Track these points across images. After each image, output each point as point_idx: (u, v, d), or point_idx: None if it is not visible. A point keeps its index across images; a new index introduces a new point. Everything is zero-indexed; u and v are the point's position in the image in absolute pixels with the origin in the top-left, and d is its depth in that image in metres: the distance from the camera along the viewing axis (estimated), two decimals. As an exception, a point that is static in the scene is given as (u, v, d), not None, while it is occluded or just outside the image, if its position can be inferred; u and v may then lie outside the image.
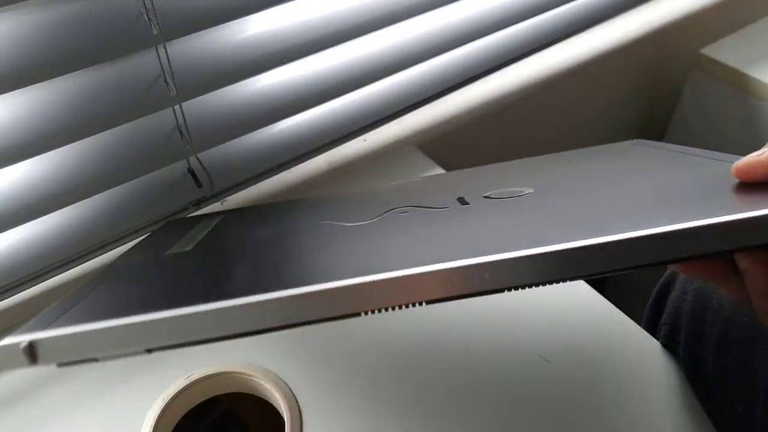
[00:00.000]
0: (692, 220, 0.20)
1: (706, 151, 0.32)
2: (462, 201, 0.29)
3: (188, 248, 0.30)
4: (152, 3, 0.35)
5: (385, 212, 0.28)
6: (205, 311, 0.20)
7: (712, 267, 0.26)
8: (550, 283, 0.20)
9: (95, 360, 0.20)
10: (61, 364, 0.20)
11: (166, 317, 0.20)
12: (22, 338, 0.20)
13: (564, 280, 0.20)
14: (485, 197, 0.28)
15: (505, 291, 0.20)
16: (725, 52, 0.77)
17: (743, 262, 0.24)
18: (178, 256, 0.29)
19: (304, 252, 0.25)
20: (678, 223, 0.20)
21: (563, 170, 0.34)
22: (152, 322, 0.20)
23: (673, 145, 0.34)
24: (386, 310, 0.20)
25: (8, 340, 0.20)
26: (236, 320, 0.20)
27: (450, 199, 0.29)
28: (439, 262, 0.20)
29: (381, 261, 0.21)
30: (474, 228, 0.24)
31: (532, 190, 0.29)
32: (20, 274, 0.40)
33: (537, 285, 0.20)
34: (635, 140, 0.39)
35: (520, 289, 0.20)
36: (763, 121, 0.75)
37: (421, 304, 0.20)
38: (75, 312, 0.22)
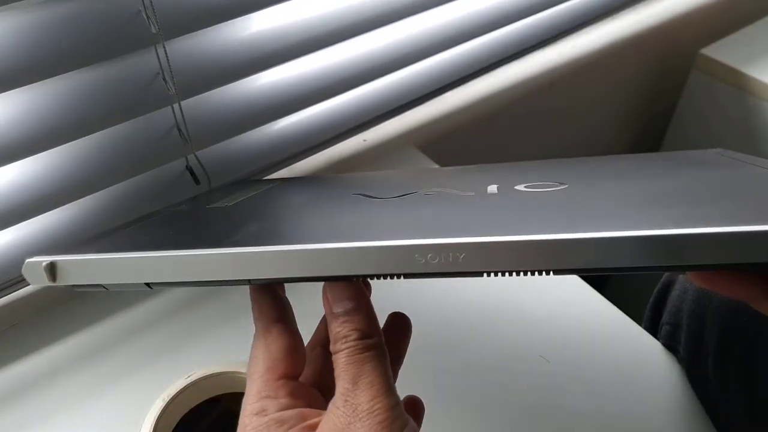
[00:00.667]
0: (719, 226, 0.18)
1: None
2: (489, 190, 0.29)
3: (229, 204, 0.32)
4: (151, 1, 0.35)
5: (413, 192, 0.30)
6: (197, 255, 0.22)
7: (743, 283, 0.24)
8: (532, 273, 0.20)
9: (105, 289, 0.23)
10: (76, 287, 0.24)
11: (164, 256, 0.22)
12: (45, 258, 0.23)
13: (541, 273, 0.20)
14: (515, 188, 0.28)
15: (484, 275, 0.21)
16: (725, 52, 0.77)
17: None
18: (217, 209, 0.32)
19: (316, 216, 0.27)
20: (695, 227, 0.19)
21: (606, 168, 0.33)
22: (151, 258, 0.22)
23: (759, 158, 0.31)
24: (361, 279, 0.22)
25: (34, 259, 0.23)
26: (224, 267, 0.22)
27: (479, 186, 0.29)
28: (416, 238, 0.20)
29: (374, 231, 0.23)
30: (479, 213, 0.25)
31: (567, 185, 0.28)
32: (19, 272, 0.40)
33: (518, 273, 0.20)
34: (718, 149, 0.36)
35: (500, 275, 0.21)
36: (763, 121, 0.75)
37: (399, 276, 0.21)
38: (99, 243, 0.25)
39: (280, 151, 0.49)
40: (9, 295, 0.41)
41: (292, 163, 0.52)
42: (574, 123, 0.79)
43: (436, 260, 0.20)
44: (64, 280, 0.23)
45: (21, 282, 0.41)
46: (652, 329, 0.44)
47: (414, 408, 0.28)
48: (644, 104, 0.87)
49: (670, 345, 0.41)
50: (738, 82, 0.75)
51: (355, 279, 0.23)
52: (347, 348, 0.22)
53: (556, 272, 0.20)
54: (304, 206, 0.30)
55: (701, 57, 0.78)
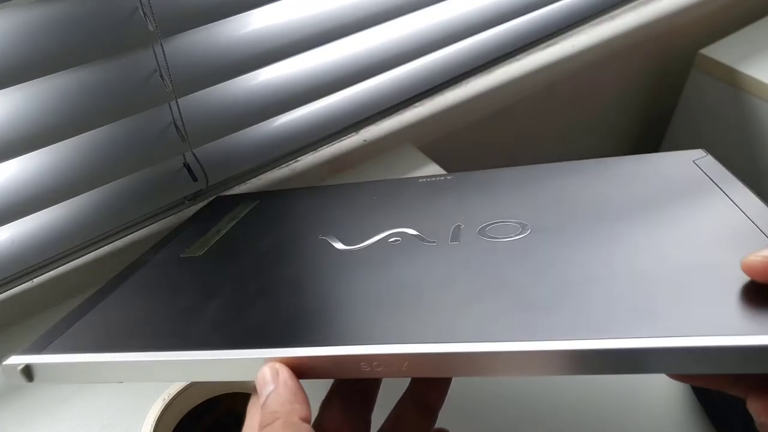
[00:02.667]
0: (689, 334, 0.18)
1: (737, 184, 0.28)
2: (455, 233, 0.29)
3: (200, 253, 0.34)
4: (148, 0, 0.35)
5: (379, 237, 0.31)
6: (166, 360, 0.23)
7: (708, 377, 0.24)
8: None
9: (78, 382, 0.25)
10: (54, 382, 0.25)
11: (133, 361, 0.24)
12: (21, 360, 0.25)
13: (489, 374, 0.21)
14: (479, 232, 0.29)
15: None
16: (725, 52, 0.77)
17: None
18: (189, 261, 0.33)
19: (282, 297, 0.27)
20: (676, 336, 0.19)
21: (576, 196, 0.32)
22: (120, 363, 0.24)
23: (731, 178, 0.30)
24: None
25: (10, 361, 0.25)
26: (195, 372, 0.24)
27: (444, 228, 0.30)
28: (373, 343, 0.22)
29: (327, 331, 0.24)
30: (430, 292, 0.25)
31: (529, 231, 0.28)
32: (17, 268, 0.40)
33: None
34: (698, 152, 0.34)
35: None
36: (763, 121, 0.75)
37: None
38: (71, 335, 0.27)
39: (278, 149, 0.49)
40: (10, 290, 0.41)
41: (289, 161, 0.52)
42: (573, 122, 0.79)
43: (381, 368, 0.21)
44: (42, 379, 0.25)
45: (20, 278, 0.41)
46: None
47: None
48: (644, 104, 0.87)
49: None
50: (737, 83, 0.75)
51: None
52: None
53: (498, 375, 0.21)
54: (269, 270, 0.30)
55: (701, 57, 0.78)
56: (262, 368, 0.22)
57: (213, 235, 0.36)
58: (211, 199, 0.44)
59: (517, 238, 0.27)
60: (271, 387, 0.21)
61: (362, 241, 0.30)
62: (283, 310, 0.26)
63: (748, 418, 0.36)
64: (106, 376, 0.24)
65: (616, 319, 0.20)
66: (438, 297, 0.24)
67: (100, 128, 0.39)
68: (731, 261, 0.22)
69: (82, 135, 0.38)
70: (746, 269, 0.21)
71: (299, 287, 0.27)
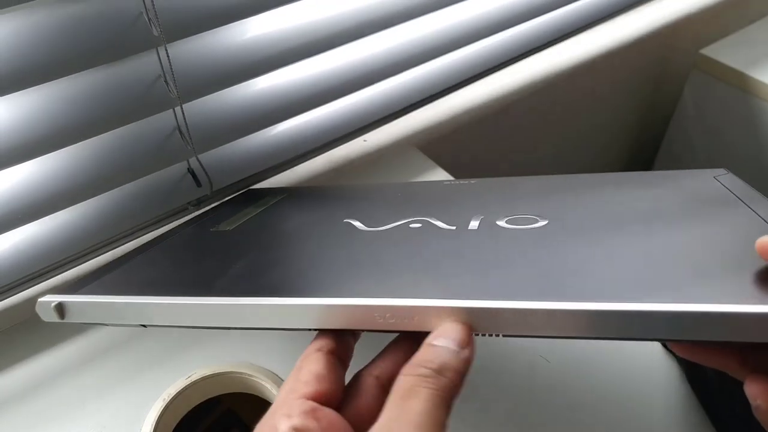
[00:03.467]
0: (683, 302, 0.19)
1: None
2: (474, 221, 0.31)
3: (229, 228, 0.36)
4: (153, 4, 0.35)
5: (400, 222, 0.32)
6: (184, 304, 0.25)
7: (716, 354, 0.24)
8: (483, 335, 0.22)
9: (106, 324, 0.28)
10: (83, 323, 0.27)
11: (156, 303, 0.25)
12: (54, 299, 0.27)
13: (489, 335, 0.22)
14: (497, 222, 0.30)
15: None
16: (725, 52, 0.77)
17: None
18: (219, 234, 0.35)
19: (302, 258, 0.29)
20: (664, 302, 0.19)
21: (587, 200, 0.33)
22: (145, 304, 0.26)
23: (755, 193, 0.30)
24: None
25: (45, 299, 0.27)
26: (207, 316, 0.25)
27: (463, 217, 0.31)
28: (378, 297, 0.23)
29: (348, 285, 0.25)
30: (448, 260, 0.26)
31: (546, 222, 0.29)
32: (24, 273, 0.40)
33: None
34: (718, 171, 0.35)
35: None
36: (763, 121, 0.75)
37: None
38: (102, 282, 0.29)
39: (282, 154, 0.49)
40: (17, 295, 0.41)
41: (293, 166, 0.52)
42: (575, 124, 0.79)
43: (393, 320, 0.23)
44: (71, 318, 0.27)
45: (26, 282, 0.42)
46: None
47: None
48: (644, 104, 0.87)
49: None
50: (738, 83, 0.75)
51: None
52: (418, 375, 0.21)
53: (506, 336, 0.22)
54: (294, 241, 0.32)
55: (701, 57, 0.78)
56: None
57: (242, 216, 0.38)
58: (243, 191, 0.47)
59: (535, 226, 0.29)
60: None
61: (384, 225, 0.32)
62: (302, 271, 0.27)
63: (748, 418, 0.37)
64: (131, 317, 0.26)
65: (633, 287, 0.21)
66: (453, 264, 0.26)
67: (104, 134, 0.39)
68: (751, 258, 0.23)
69: (86, 141, 0.38)
70: (760, 250, 0.22)
71: (319, 255, 0.29)
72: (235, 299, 0.24)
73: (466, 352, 0.22)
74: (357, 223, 0.33)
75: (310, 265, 0.28)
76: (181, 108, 0.41)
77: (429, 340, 0.22)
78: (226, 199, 0.44)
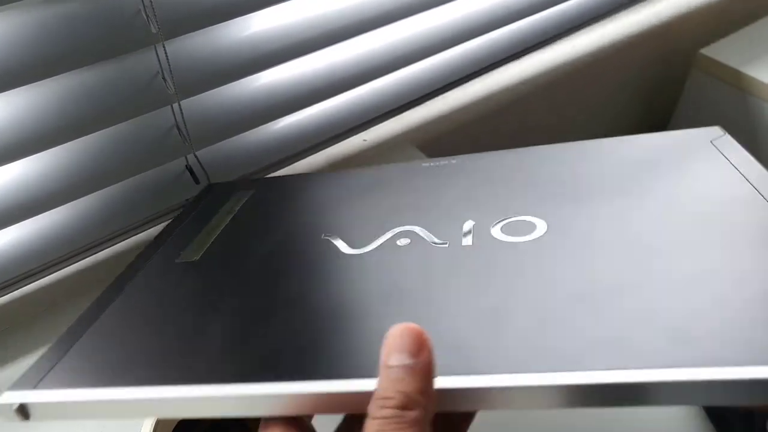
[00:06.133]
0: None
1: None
2: (466, 232, 0.28)
3: (196, 258, 0.32)
4: (151, 1, 0.35)
5: (385, 238, 0.29)
6: (174, 398, 0.22)
7: None
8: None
9: (79, 419, 0.23)
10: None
11: (123, 400, 0.22)
12: (14, 400, 0.23)
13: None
14: (491, 234, 0.28)
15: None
16: (725, 52, 0.77)
17: None
18: (186, 267, 0.31)
19: (289, 323, 0.25)
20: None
21: (596, 189, 0.30)
22: (126, 401, 0.22)
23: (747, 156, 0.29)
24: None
25: (3, 399, 0.23)
26: (205, 409, 0.22)
27: (454, 225, 0.29)
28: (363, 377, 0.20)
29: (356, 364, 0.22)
30: (457, 316, 0.24)
31: (545, 230, 0.27)
32: (20, 270, 0.40)
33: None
34: (714, 129, 0.32)
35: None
36: (763, 121, 0.75)
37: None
38: (63, 367, 0.25)
39: (280, 151, 0.49)
40: (13, 293, 0.41)
41: (291, 163, 0.52)
42: (574, 123, 0.79)
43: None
44: (39, 419, 0.23)
45: (23, 280, 0.41)
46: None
47: None
48: (644, 104, 0.87)
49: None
50: (738, 82, 0.75)
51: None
52: (382, 418, 0.18)
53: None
54: (270, 282, 0.28)
55: (701, 57, 0.78)
56: None
57: (208, 235, 0.34)
58: (205, 186, 0.42)
59: (532, 238, 0.27)
60: None
61: (368, 242, 0.29)
62: (292, 336, 0.24)
63: (748, 418, 0.37)
64: (109, 413, 0.23)
65: (650, 345, 0.20)
66: (457, 327, 0.24)
67: (102, 130, 0.39)
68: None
69: (84, 137, 0.38)
70: None
71: (305, 308, 0.26)
72: (227, 387, 0.21)
73: (423, 356, 0.19)
74: (337, 242, 0.30)
75: (297, 329, 0.24)
76: (179, 105, 0.41)
77: (383, 360, 0.19)
78: (190, 199, 0.40)
